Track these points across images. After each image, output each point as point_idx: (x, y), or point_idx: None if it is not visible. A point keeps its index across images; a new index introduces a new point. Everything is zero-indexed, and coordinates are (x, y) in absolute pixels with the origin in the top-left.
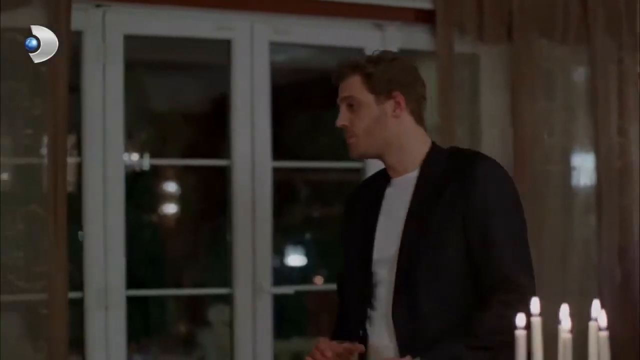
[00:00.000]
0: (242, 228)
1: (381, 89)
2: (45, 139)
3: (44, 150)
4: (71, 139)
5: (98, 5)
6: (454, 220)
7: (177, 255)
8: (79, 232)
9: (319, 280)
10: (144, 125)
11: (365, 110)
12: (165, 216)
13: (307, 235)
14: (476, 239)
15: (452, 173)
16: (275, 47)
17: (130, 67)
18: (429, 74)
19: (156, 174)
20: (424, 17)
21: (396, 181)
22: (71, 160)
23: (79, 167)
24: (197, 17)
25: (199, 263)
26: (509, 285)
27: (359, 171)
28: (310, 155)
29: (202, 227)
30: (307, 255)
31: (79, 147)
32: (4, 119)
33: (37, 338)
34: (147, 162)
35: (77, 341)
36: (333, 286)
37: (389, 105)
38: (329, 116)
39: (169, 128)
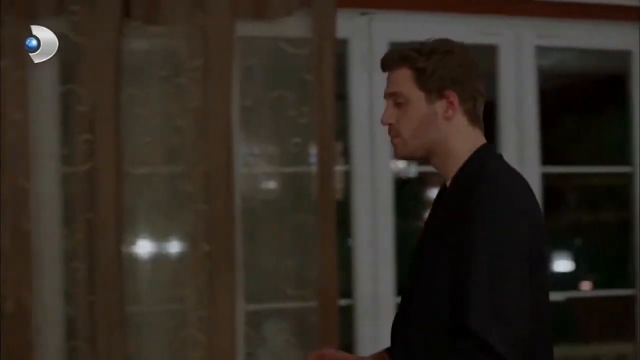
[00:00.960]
0: None
1: (433, 87)
2: (312, 147)
3: (312, 159)
4: (338, 147)
5: (363, 13)
6: (445, 266)
7: None
8: (349, 239)
9: (586, 285)
10: None
11: (414, 108)
12: None
13: (576, 241)
14: (457, 283)
15: (458, 203)
16: (539, 50)
17: None
18: None
19: (422, 181)
20: None
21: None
22: (339, 167)
23: (347, 175)
24: (461, 23)
25: None
26: (472, 334)
27: (628, 175)
28: (577, 160)
29: None
30: (576, 260)
31: (346, 154)
32: (271, 128)
33: (308, 346)
34: (413, 169)
35: (347, 349)
36: (602, 292)
37: (440, 105)
38: (596, 119)
39: None
